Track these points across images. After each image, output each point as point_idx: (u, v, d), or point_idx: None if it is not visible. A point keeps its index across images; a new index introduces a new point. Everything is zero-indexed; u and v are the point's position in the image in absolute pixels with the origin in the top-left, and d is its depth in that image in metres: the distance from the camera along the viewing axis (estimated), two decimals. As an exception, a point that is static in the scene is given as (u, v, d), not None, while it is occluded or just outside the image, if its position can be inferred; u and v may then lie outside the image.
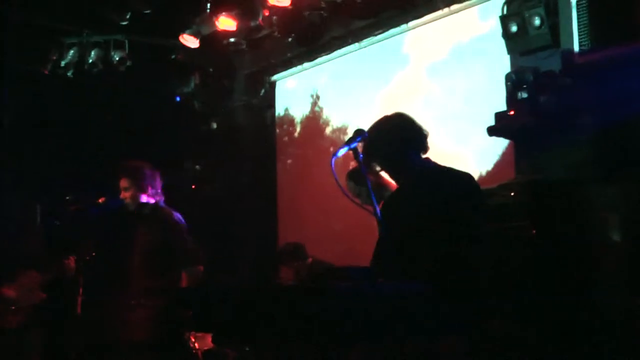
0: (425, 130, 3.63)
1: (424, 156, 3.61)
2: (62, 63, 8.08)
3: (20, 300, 6.66)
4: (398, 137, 3.56)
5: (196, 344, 5.85)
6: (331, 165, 3.02)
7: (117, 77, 8.16)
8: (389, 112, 3.71)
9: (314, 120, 8.63)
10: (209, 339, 5.72)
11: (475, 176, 3.72)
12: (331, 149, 8.21)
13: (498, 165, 6.48)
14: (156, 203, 5.50)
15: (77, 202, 5.55)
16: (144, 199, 5.45)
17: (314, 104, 8.62)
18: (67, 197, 5.81)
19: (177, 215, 5.50)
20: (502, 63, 6.19)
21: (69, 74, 8.13)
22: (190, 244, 5.46)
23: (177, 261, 5.40)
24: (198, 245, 5.72)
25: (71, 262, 6.38)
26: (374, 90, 7.74)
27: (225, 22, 7.53)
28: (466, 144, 6.71)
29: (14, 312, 6.59)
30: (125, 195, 5.43)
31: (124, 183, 5.46)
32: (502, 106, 5.64)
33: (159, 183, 5.58)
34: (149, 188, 5.46)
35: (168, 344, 5.27)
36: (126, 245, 5.48)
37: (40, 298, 6.73)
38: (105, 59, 8.04)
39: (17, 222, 7.23)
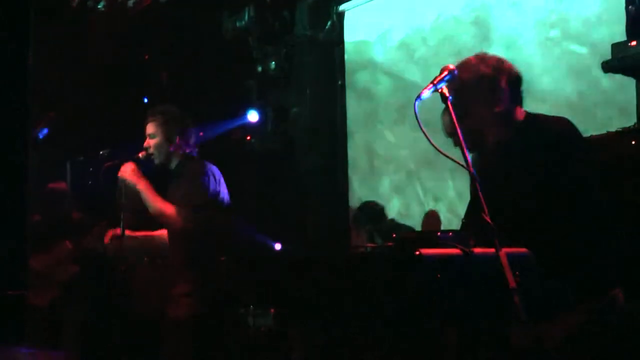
0: None
1: None
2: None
3: (52, 274, 6.79)
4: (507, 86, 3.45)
5: (255, 322, 5.88)
6: (414, 109, 2.93)
7: (157, 10, 8.15)
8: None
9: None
10: (270, 316, 5.74)
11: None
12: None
13: (610, 110, 6.28)
14: (185, 155, 5.46)
15: (113, 158, 5.57)
16: (171, 149, 5.42)
17: (390, 37, 8.50)
18: (102, 152, 5.84)
19: (211, 169, 5.43)
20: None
21: (99, 6, 8.14)
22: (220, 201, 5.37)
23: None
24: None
25: (103, 228, 6.47)
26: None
27: None
28: (564, 86, 6.58)
29: (46, 288, 6.72)
30: (150, 143, 5.42)
31: (149, 128, 5.45)
32: (621, 36, 5.46)
33: (191, 132, 5.53)
34: (177, 137, 5.42)
35: (218, 322, 5.27)
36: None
37: (72, 272, 6.83)
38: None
39: (46, 183, 7.32)
